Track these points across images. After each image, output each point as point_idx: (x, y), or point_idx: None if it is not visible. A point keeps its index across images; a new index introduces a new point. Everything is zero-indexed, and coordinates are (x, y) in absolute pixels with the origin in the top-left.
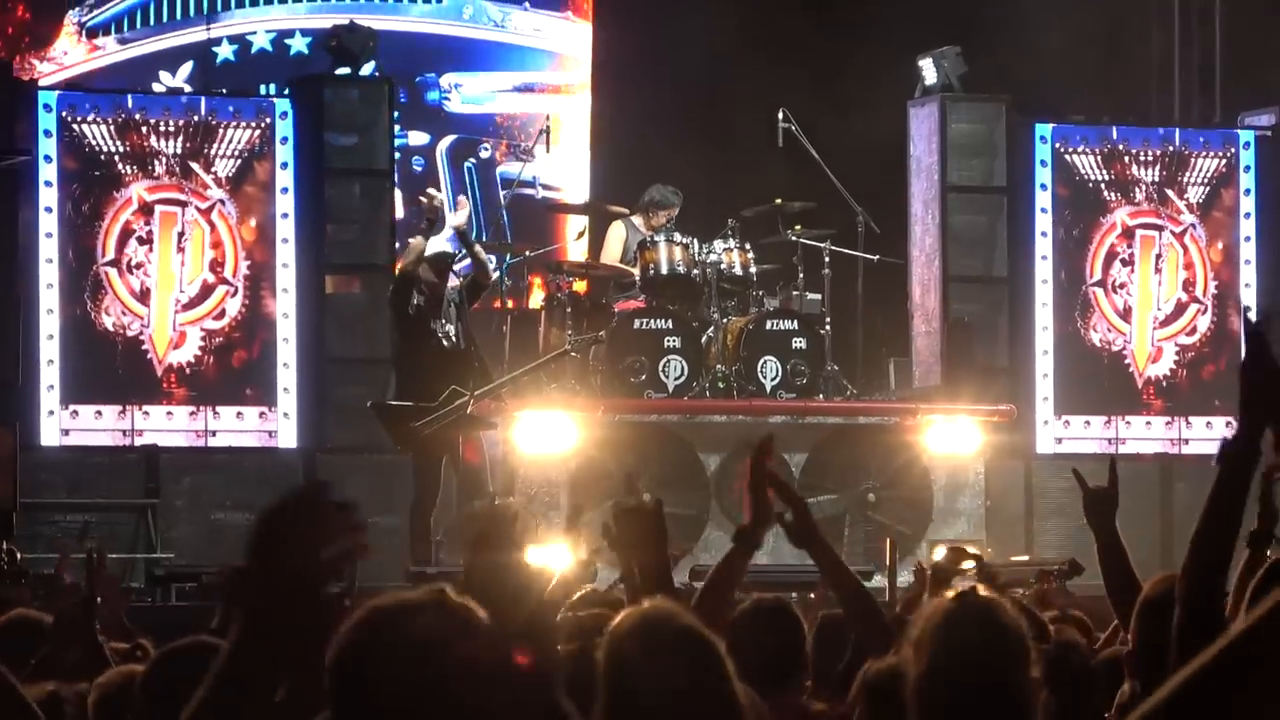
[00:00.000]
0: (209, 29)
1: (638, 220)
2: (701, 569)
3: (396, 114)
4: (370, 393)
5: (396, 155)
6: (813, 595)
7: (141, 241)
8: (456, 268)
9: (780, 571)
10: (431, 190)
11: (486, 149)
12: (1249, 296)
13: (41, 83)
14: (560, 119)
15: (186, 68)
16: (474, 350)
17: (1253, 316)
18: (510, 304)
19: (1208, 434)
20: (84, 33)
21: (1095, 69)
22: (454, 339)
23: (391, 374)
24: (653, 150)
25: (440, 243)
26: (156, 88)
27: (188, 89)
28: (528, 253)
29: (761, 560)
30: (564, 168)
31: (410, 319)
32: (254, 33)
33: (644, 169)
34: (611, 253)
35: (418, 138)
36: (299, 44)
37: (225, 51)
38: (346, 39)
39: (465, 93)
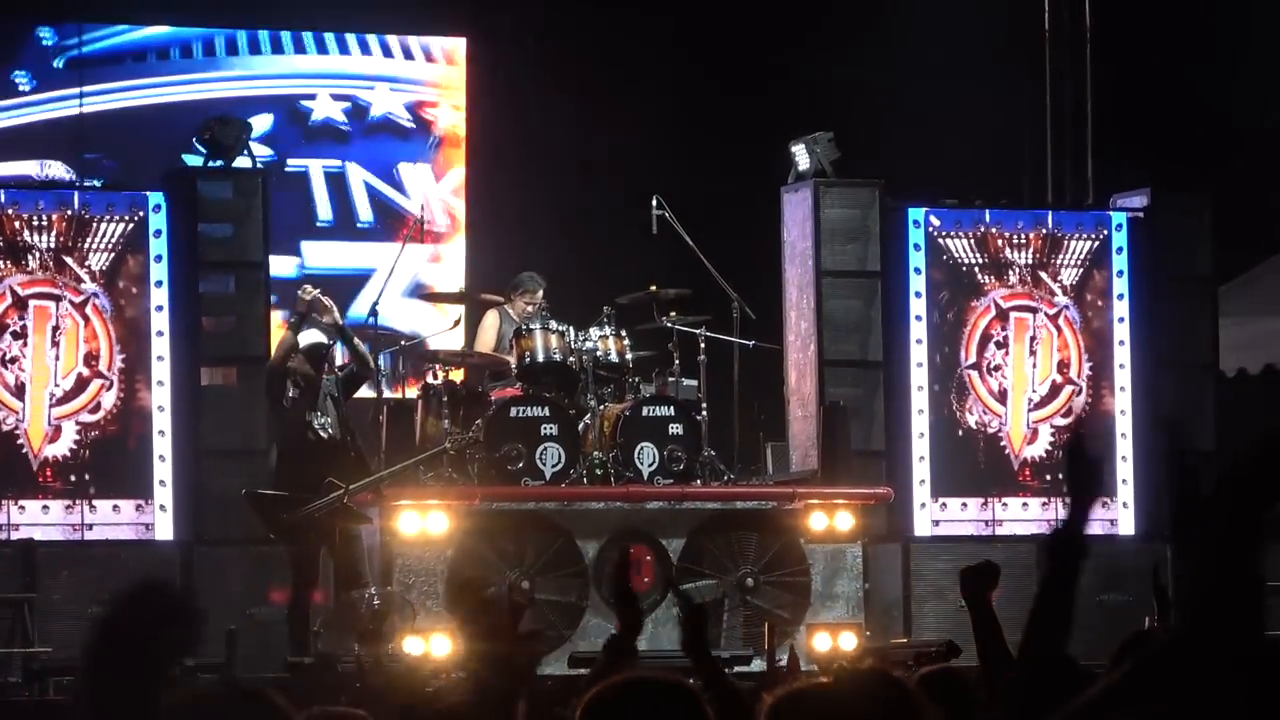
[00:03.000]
0: (81, 104)
1: (510, 308)
2: (581, 655)
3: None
4: (247, 484)
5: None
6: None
7: (16, 336)
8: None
9: (656, 657)
10: (306, 285)
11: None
12: (1123, 377)
13: None
14: (433, 209)
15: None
16: (350, 441)
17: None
18: (386, 393)
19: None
20: None
21: (968, 152)
22: (330, 430)
23: (268, 465)
24: (527, 238)
25: (313, 334)
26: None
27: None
28: (402, 342)
29: (641, 646)
30: (438, 256)
31: (286, 410)
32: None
33: (519, 257)
34: (485, 340)
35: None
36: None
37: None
38: (219, 132)
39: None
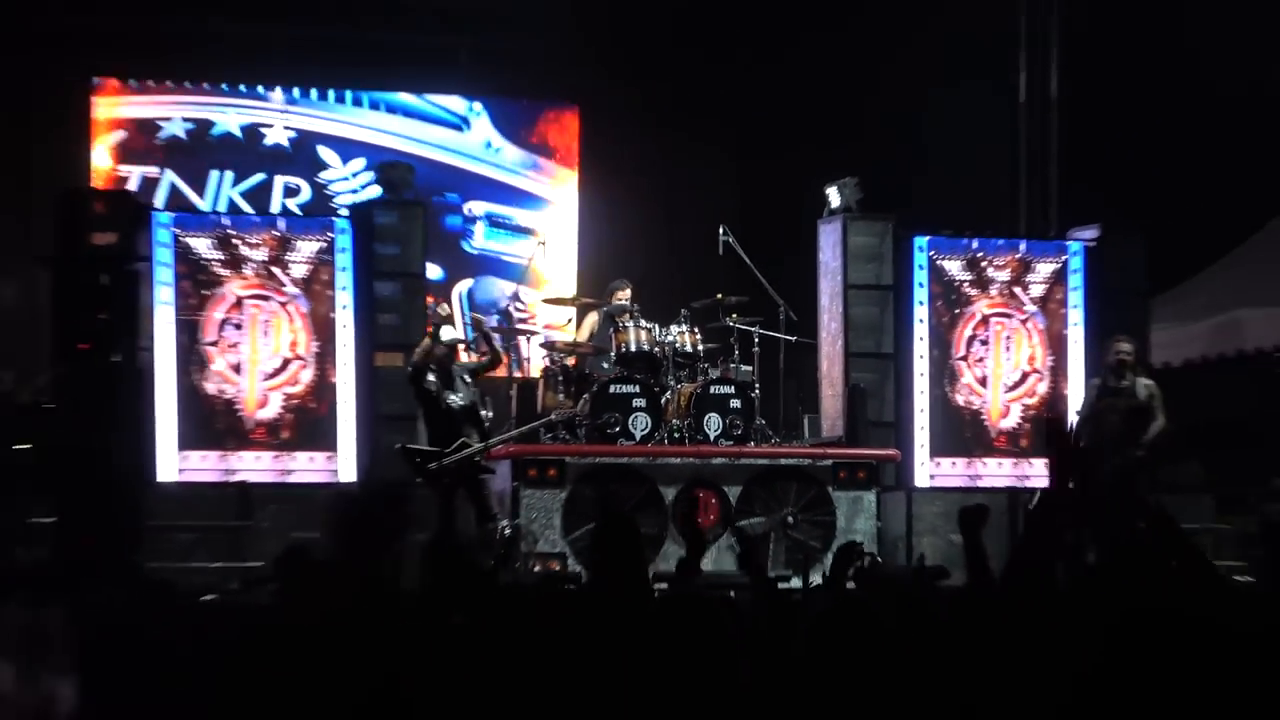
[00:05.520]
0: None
1: (608, 309)
2: (662, 573)
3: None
4: (403, 441)
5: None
6: None
7: (236, 328)
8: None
9: (718, 576)
10: (440, 301)
11: (495, 317)
12: (1076, 371)
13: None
14: (552, 232)
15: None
16: (479, 412)
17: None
18: (517, 375)
19: (1045, 472)
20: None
21: (961, 192)
22: (461, 402)
23: (416, 428)
24: (627, 256)
25: (452, 331)
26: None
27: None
28: (529, 336)
29: (707, 567)
30: (557, 269)
31: (428, 392)
32: (271, 125)
33: (619, 271)
34: (582, 334)
35: (432, 270)
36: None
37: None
38: (390, 173)
39: (482, 232)
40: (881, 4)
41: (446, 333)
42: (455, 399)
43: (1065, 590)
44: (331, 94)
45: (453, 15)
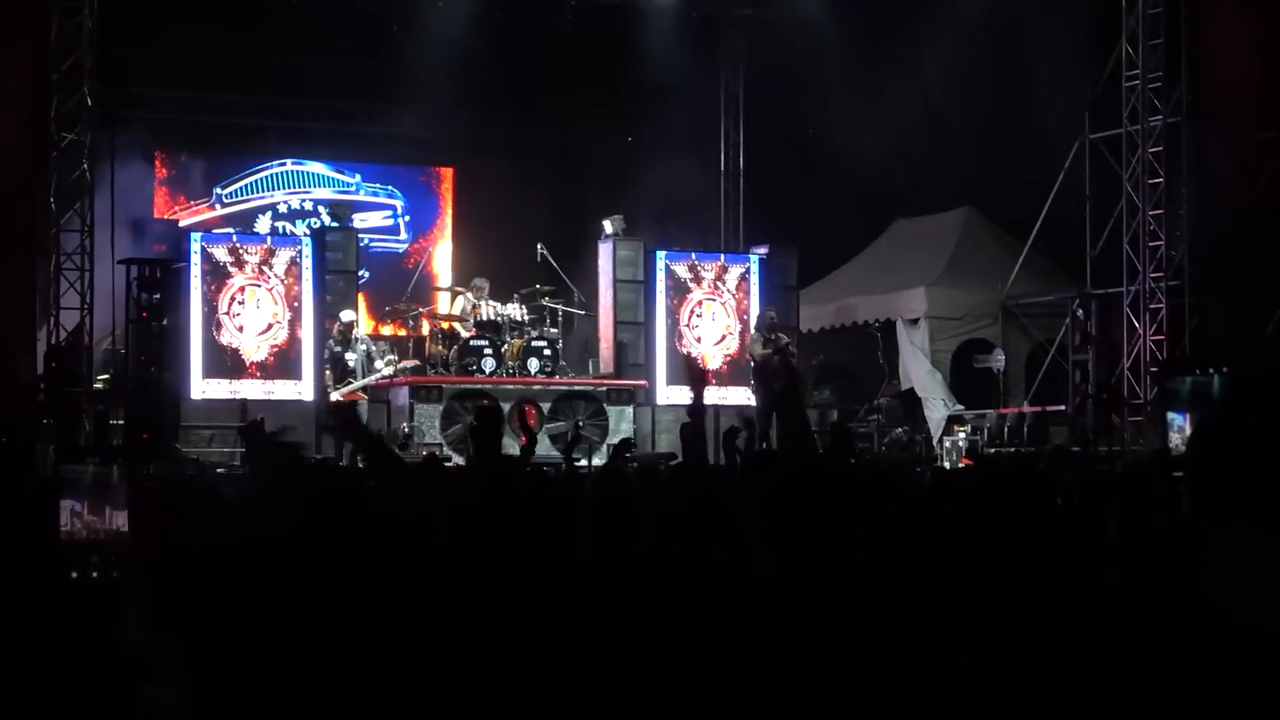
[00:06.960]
0: (280, 195)
1: (471, 294)
2: (507, 457)
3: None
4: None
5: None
6: None
7: (240, 303)
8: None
9: (542, 459)
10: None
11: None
12: (744, 327)
13: (184, 223)
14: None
15: (267, 215)
16: (370, 364)
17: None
18: (412, 334)
19: (737, 398)
20: (219, 200)
21: (687, 224)
22: (353, 363)
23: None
24: (483, 259)
25: (350, 314)
26: (259, 227)
27: (269, 226)
28: (421, 309)
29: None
30: (440, 266)
31: (336, 355)
32: (289, 201)
33: (478, 271)
34: (455, 309)
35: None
36: (310, 205)
37: (283, 208)
38: (336, 210)
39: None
40: (650, 106)
41: (346, 315)
42: (352, 359)
43: (744, 461)
44: (307, 163)
45: (375, 109)
